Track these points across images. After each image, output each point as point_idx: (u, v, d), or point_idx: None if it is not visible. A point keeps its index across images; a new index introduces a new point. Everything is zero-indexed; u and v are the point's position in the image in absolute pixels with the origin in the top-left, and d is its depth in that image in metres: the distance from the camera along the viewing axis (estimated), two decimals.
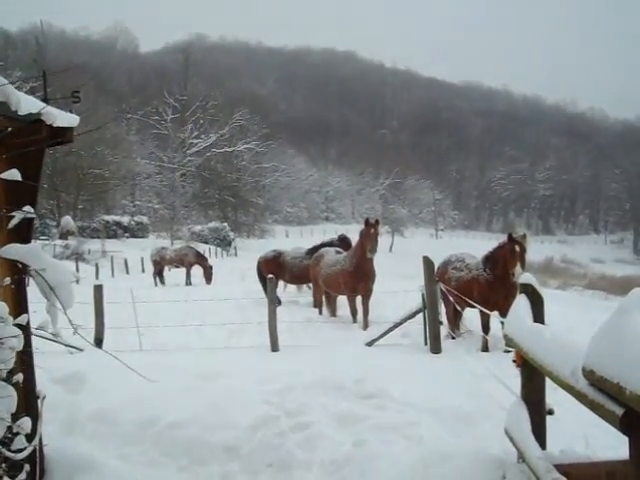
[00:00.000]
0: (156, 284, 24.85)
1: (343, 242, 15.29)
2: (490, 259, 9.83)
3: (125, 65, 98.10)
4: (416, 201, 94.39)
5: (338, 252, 13.53)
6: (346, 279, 12.03)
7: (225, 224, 52.37)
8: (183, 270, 25.45)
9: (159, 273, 25.44)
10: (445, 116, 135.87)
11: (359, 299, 12.33)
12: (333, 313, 13.53)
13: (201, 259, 25.39)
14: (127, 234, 47.48)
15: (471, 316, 10.48)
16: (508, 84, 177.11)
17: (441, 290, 9.78)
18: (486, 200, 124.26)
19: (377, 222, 11.90)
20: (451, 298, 9.89)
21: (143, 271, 32.33)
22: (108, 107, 57.90)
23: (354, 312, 12.30)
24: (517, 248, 9.20)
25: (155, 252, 25.95)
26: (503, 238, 9.89)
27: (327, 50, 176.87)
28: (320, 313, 13.85)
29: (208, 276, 24.93)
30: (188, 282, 24.99)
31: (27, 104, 3.36)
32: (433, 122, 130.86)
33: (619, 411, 2.38)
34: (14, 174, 2.79)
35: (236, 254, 47.05)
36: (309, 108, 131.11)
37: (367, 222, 11.83)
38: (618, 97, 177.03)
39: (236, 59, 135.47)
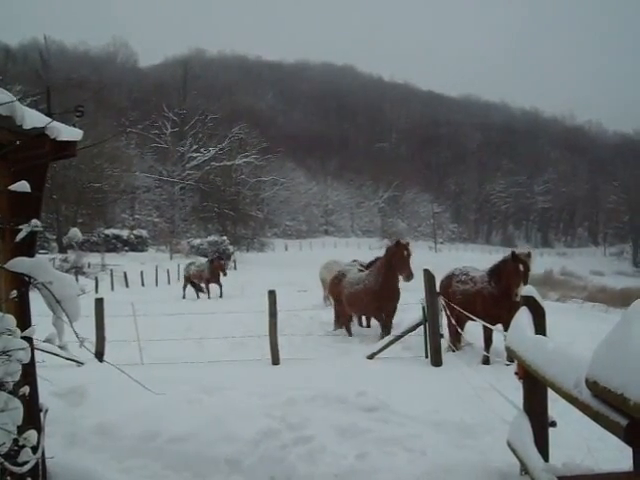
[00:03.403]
0: (184, 297, 25.53)
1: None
2: (495, 272, 9.69)
3: (124, 79, 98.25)
4: (415, 214, 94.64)
5: (360, 270, 12.99)
6: (372, 298, 11.38)
7: (224, 237, 52.36)
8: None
9: (192, 286, 26.01)
10: (444, 129, 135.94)
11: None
12: (349, 332, 12.74)
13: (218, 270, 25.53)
14: (127, 247, 47.46)
15: (473, 329, 10.45)
16: (506, 97, 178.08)
17: (443, 303, 9.77)
18: (485, 213, 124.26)
19: (408, 244, 11.25)
20: (447, 312, 9.86)
21: (143, 285, 32.35)
22: (107, 121, 58.01)
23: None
24: (521, 267, 8.95)
25: (185, 267, 27.29)
26: (503, 251, 9.83)
27: (325, 64, 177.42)
28: (350, 335, 12.79)
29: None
30: (198, 296, 25.47)
31: (31, 118, 3.39)
32: (432, 135, 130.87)
33: (623, 422, 2.38)
34: (24, 186, 2.81)
35: (235, 267, 47.00)
36: (308, 122, 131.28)
37: (398, 243, 11.17)
38: (616, 110, 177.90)
39: (235, 73, 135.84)
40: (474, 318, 8.90)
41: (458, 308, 9.59)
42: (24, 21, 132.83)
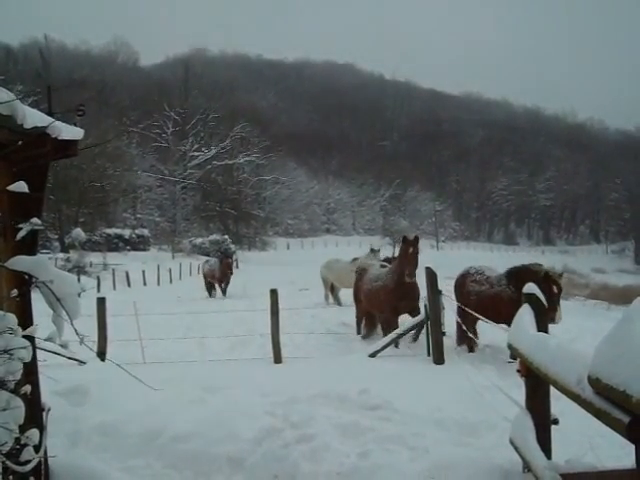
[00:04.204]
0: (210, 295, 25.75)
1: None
2: (513, 276, 9.39)
3: (126, 79, 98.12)
4: (417, 212, 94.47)
5: (382, 266, 12.38)
6: (388, 297, 10.84)
7: (226, 236, 52.37)
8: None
9: (211, 285, 26.15)
10: (445, 127, 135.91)
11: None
12: (368, 334, 12.15)
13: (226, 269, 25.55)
14: (128, 247, 47.46)
15: (480, 328, 10.38)
16: (508, 95, 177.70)
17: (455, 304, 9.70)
18: (487, 211, 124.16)
19: (417, 239, 10.59)
20: (454, 313, 9.78)
21: (145, 284, 32.36)
22: (109, 120, 58.00)
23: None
24: (555, 289, 8.34)
25: (202, 265, 27.61)
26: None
27: (327, 62, 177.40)
28: (359, 333, 12.48)
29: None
30: (209, 295, 25.50)
31: (33, 118, 3.39)
32: (433, 133, 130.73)
33: (625, 419, 2.38)
34: (21, 186, 2.81)
35: (237, 266, 46.97)
36: (309, 120, 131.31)
37: (405, 240, 10.62)
38: (617, 108, 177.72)
39: (236, 72, 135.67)
40: (487, 320, 8.61)
41: (470, 311, 9.39)
42: (25, 21, 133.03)
